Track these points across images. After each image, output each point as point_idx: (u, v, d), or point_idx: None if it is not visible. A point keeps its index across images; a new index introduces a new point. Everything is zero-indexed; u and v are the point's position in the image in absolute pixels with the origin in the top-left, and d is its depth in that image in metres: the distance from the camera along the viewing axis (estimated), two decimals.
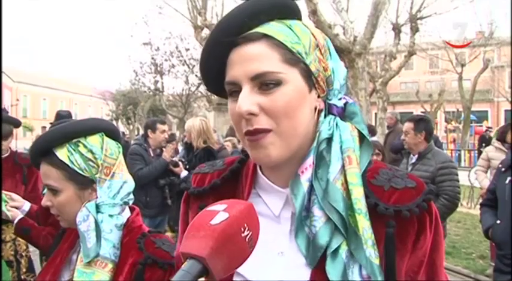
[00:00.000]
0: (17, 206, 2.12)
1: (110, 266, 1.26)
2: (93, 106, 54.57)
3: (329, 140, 0.82)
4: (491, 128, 19.22)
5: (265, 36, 0.79)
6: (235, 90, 0.80)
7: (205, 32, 13.71)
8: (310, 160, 0.81)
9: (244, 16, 0.79)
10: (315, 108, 0.83)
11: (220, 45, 0.80)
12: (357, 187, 0.78)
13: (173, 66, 23.60)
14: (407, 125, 4.03)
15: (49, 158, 1.29)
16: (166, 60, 23.56)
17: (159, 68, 23.91)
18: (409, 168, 4.00)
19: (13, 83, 47.28)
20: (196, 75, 22.78)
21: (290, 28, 0.81)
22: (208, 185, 0.94)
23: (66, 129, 1.31)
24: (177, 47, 22.69)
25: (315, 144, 0.82)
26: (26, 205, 2.17)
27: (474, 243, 6.57)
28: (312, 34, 0.83)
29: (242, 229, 0.67)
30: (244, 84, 0.78)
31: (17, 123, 3.52)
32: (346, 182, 0.79)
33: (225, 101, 0.84)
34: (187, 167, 4.86)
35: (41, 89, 53.68)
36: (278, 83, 0.77)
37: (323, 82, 0.83)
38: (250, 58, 0.78)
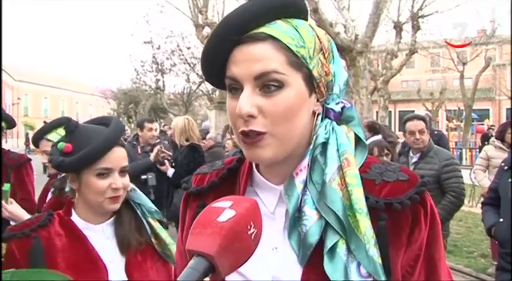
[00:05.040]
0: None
1: None
2: (95, 105, 54.61)
3: (324, 143, 0.83)
4: (493, 126, 19.11)
5: (271, 38, 0.77)
6: (235, 87, 0.80)
7: (207, 31, 13.68)
8: (305, 162, 0.82)
9: (251, 14, 0.78)
10: (313, 112, 0.83)
11: (224, 42, 0.79)
12: (356, 187, 0.78)
13: (174, 64, 23.57)
14: (421, 124, 3.86)
15: None
16: (167, 58, 23.53)
17: (160, 67, 23.90)
18: (411, 168, 3.92)
19: (14, 81, 47.31)
20: (197, 74, 22.78)
21: (296, 29, 0.80)
22: (206, 185, 0.95)
23: None
24: (178, 46, 22.65)
25: (311, 147, 0.82)
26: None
27: (475, 242, 6.54)
28: (317, 36, 0.82)
29: (248, 227, 0.67)
30: (246, 84, 0.77)
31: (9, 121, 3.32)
32: (343, 183, 0.79)
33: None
34: (174, 164, 4.93)
35: (42, 88, 53.79)
36: (280, 86, 0.77)
37: (323, 87, 0.83)
38: (254, 58, 0.77)
